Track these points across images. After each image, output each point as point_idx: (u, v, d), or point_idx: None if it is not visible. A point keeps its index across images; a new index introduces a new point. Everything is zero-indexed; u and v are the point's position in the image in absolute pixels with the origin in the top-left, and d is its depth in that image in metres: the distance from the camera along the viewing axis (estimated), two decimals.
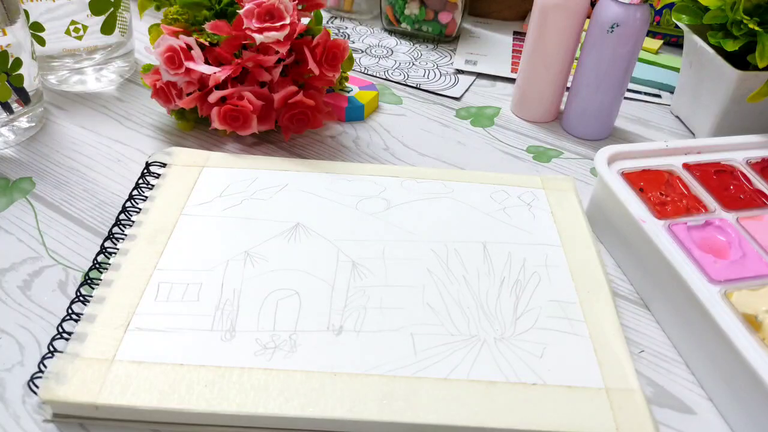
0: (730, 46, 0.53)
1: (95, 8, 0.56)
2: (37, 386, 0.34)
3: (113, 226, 0.44)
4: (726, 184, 0.47)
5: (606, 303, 0.40)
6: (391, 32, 0.77)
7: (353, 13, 0.80)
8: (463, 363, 0.36)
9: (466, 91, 0.67)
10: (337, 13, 0.80)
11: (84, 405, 0.33)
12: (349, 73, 0.62)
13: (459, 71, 0.70)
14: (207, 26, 0.50)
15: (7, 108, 0.51)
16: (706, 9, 0.55)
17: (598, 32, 0.54)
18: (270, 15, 0.49)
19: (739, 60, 0.55)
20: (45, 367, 0.35)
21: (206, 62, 0.51)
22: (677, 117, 0.65)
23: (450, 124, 0.61)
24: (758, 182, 0.47)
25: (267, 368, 0.35)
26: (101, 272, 0.40)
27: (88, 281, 0.40)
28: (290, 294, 0.39)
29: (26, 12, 0.54)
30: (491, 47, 0.75)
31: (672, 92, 0.67)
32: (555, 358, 0.37)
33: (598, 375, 0.36)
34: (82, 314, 0.37)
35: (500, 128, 0.61)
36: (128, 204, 0.45)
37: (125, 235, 0.43)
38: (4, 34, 0.49)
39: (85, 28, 0.57)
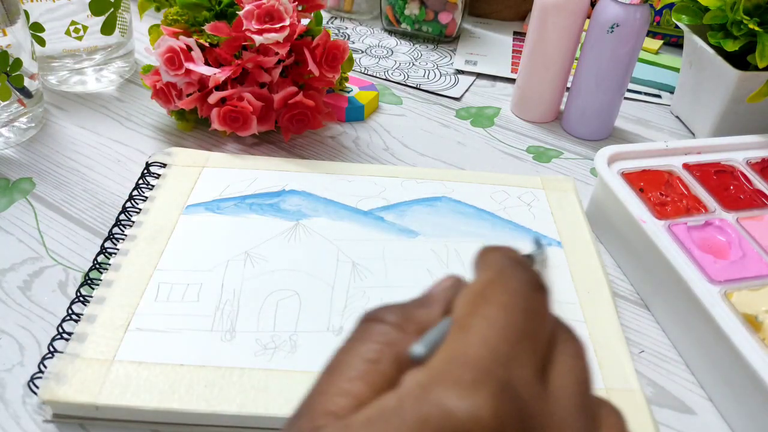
0: (730, 46, 0.53)
1: (95, 9, 0.56)
2: (37, 386, 0.34)
3: (113, 226, 0.44)
4: (726, 185, 0.47)
5: (606, 303, 0.40)
6: (391, 32, 0.77)
7: (353, 14, 0.80)
8: None
9: (466, 91, 0.67)
10: (337, 13, 0.80)
11: (84, 405, 0.33)
12: (349, 74, 0.62)
13: (459, 71, 0.70)
14: (207, 27, 0.50)
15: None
16: (706, 9, 0.55)
17: (598, 32, 0.54)
18: (270, 16, 0.49)
19: (739, 60, 0.55)
20: (45, 367, 0.35)
21: (206, 63, 0.51)
22: (677, 117, 0.65)
23: (450, 125, 0.61)
24: (758, 182, 0.47)
25: (267, 369, 0.35)
26: (101, 272, 0.40)
27: (88, 281, 0.40)
28: (290, 294, 0.39)
29: (26, 12, 0.54)
30: (491, 47, 0.75)
31: (672, 92, 0.67)
32: None
33: (598, 375, 0.36)
34: (82, 314, 0.37)
35: (500, 128, 0.61)
36: (128, 204, 0.45)
37: (125, 235, 0.43)
38: (4, 34, 0.49)
39: (85, 28, 0.57)
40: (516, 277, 0.18)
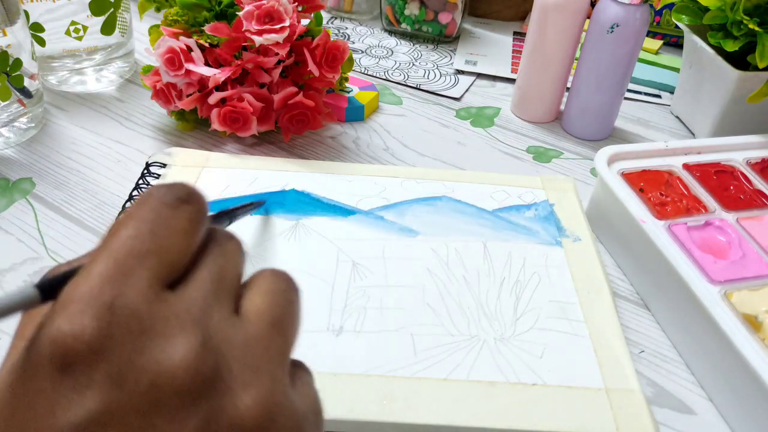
0: (730, 47, 0.53)
1: (95, 9, 0.56)
2: None
3: None
4: (726, 185, 0.47)
5: (606, 303, 0.40)
6: (391, 33, 0.77)
7: (353, 14, 0.80)
8: (463, 363, 0.36)
9: (466, 91, 0.67)
10: (337, 13, 0.80)
11: None
12: (349, 74, 0.62)
13: (459, 71, 0.70)
14: (207, 28, 0.50)
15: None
16: (706, 9, 0.55)
17: (598, 32, 0.54)
18: (269, 17, 0.49)
19: (739, 60, 0.55)
20: None
21: (206, 64, 0.51)
22: (677, 117, 0.65)
23: (450, 125, 0.61)
24: (758, 182, 0.47)
25: None
26: None
27: None
28: None
29: (26, 12, 0.54)
30: (491, 47, 0.75)
31: (672, 92, 0.67)
32: (555, 358, 0.37)
33: (598, 375, 0.36)
34: None
35: (500, 128, 0.61)
36: (128, 204, 0.45)
37: None
38: (4, 34, 0.49)
39: (85, 28, 0.57)
40: (153, 198, 0.20)
